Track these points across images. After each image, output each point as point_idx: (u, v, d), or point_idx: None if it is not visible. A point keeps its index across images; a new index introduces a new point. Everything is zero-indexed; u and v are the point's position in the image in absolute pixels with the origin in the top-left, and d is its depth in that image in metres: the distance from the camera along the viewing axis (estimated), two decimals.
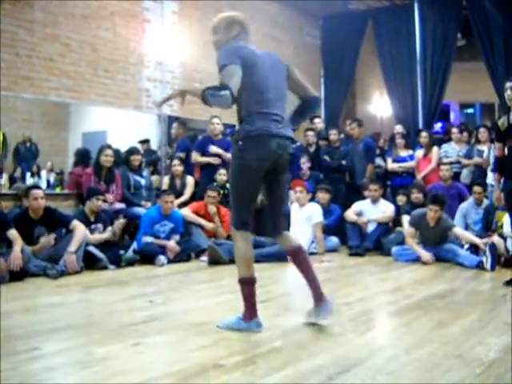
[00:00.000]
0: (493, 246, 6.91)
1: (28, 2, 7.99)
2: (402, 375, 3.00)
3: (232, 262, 7.20)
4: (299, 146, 10.30)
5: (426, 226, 7.58)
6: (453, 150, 9.73)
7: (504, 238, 7.19)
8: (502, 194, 5.79)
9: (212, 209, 8.20)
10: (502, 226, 7.46)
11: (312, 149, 10.17)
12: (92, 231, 7.12)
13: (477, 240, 7.32)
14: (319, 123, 10.87)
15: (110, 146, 8.22)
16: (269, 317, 4.30)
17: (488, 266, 6.80)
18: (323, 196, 8.87)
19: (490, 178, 8.83)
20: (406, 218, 8.06)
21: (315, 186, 9.23)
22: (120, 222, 7.60)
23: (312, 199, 8.65)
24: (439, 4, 11.62)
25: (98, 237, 7.13)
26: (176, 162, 8.94)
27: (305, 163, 9.48)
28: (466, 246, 7.45)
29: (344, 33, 12.63)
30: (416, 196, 8.39)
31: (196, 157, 9.15)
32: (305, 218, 7.80)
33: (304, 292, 5.88)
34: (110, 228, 7.32)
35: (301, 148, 10.22)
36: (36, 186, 7.08)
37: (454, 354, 3.34)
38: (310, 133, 10.23)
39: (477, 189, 8.25)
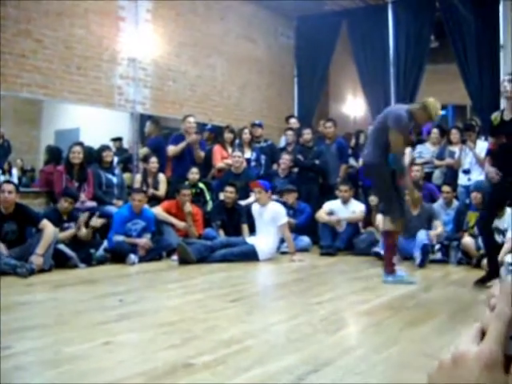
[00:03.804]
0: (426, 246, 7.24)
1: None
2: (372, 375, 3.01)
3: (200, 261, 7.25)
4: (270, 144, 10.33)
5: (408, 214, 7.66)
6: (427, 150, 9.79)
7: (475, 238, 7.26)
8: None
9: (187, 207, 8.11)
10: (473, 227, 7.51)
11: (291, 148, 10.16)
12: (65, 230, 7.05)
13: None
14: (294, 123, 10.90)
15: (78, 143, 8.13)
16: (239, 316, 4.31)
17: (417, 261, 7.22)
18: (288, 197, 8.93)
19: (462, 179, 8.91)
20: (380, 217, 8.08)
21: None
22: (85, 215, 7.35)
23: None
24: (413, 6, 11.68)
25: (67, 233, 7.04)
26: (153, 159, 8.85)
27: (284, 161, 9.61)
28: (437, 247, 7.53)
29: (318, 33, 12.59)
30: None
31: (172, 149, 9.15)
32: (269, 219, 7.73)
33: (274, 292, 5.91)
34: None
35: (271, 147, 10.27)
36: (7, 181, 6.99)
37: (424, 353, 3.36)
38: (290, 132, 10.31)
39: (445, 188, 8.32)
